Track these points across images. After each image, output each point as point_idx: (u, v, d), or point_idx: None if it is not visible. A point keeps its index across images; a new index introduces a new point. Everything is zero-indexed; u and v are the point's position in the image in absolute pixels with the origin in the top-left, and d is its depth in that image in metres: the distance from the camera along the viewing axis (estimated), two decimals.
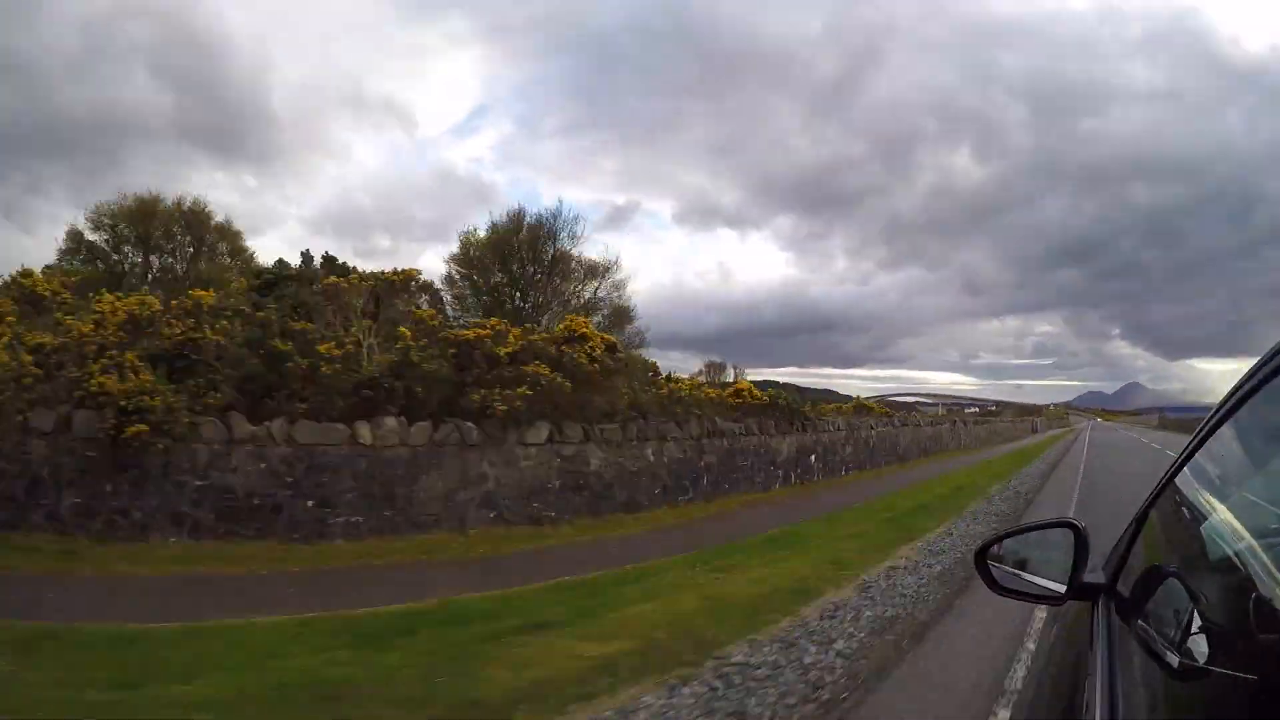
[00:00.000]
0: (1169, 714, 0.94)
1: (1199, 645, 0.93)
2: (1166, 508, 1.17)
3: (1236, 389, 0.86)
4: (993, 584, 1.35)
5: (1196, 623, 0.95)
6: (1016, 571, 1.34)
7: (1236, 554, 0.97)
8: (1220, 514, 1.02)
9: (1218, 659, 0.89)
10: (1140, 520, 1.22)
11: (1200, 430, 0.97)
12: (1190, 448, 1.02)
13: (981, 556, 1.36)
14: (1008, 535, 1.38)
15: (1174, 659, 0.98)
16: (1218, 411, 0.90)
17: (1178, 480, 1.09)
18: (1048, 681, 1.44)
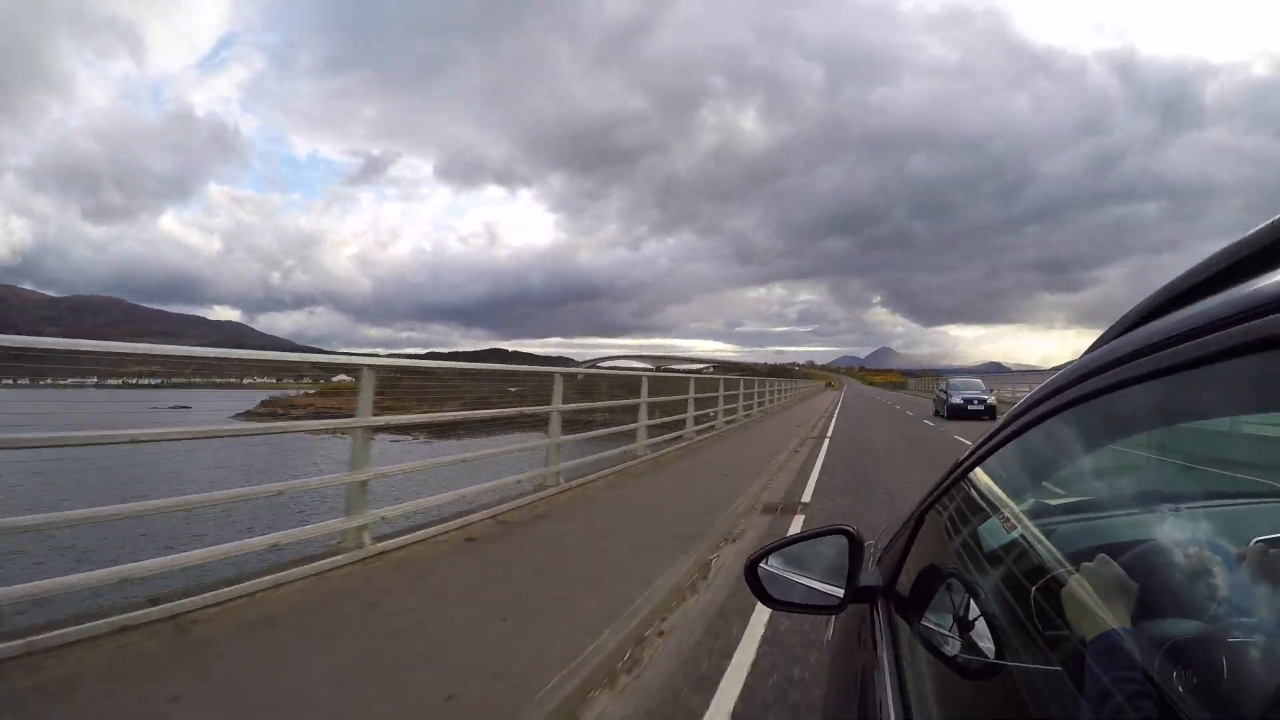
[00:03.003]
0: (961, 710, 0.96)
1: (984, 641, 0.96)
2: (942, 511, 1.21)
3: (1029, 405, 0.90)
4: (766, 598, 1.31)
5: (980, 620, 0.98)
6: (791, 580, 1.32)
7: (1013, 553, 1.01)
8: (997, 516, 1.05)
9: (1003, 654, 0.92)
10: (917, 523, 1.26)
11: (979, 444, 1.01)
12: (968, 460, 1.06)
13: (752, 570, 1.32)
14: (778, 547, 1.36)
15: (961, 656, 1.00)
16: (1008, 422, 0.93)
17: (955, 482, 1.13)
18: (836, 687, 1.45)
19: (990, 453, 1.01)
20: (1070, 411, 0.81)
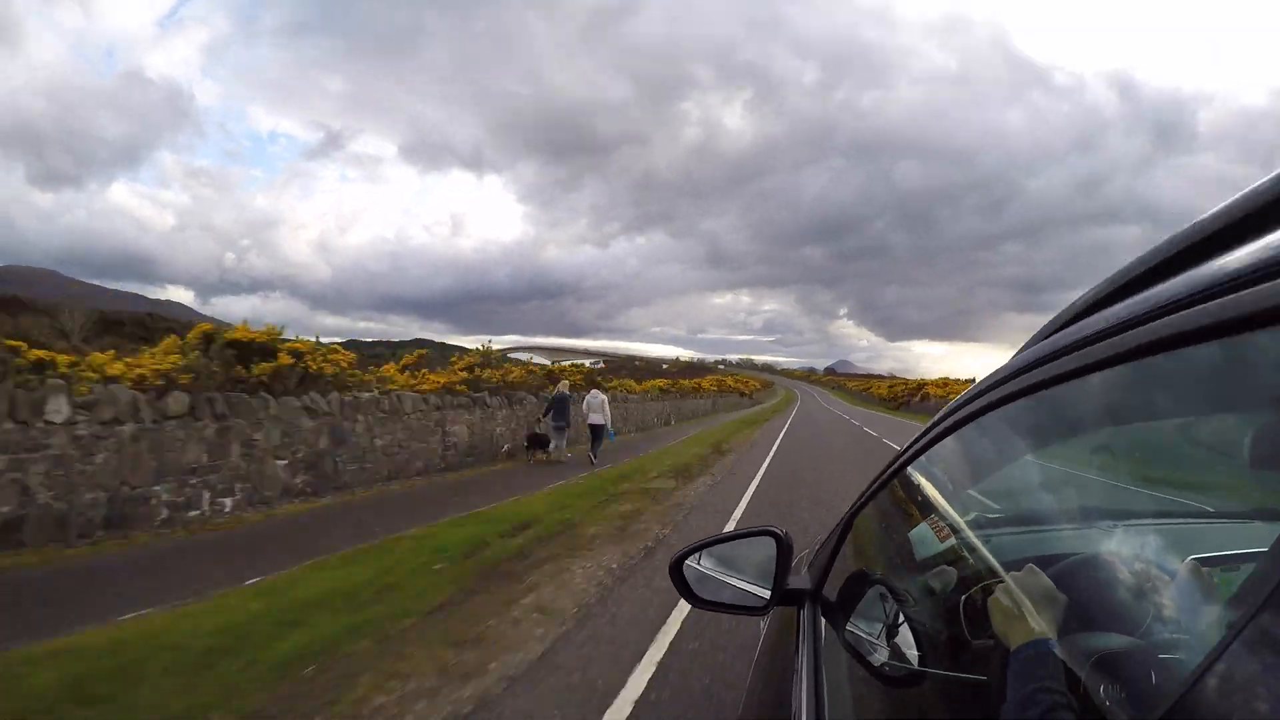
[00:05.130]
0: (880, 716, 0.94)
1: (909, 648, 0.93)
2: (873, 514, 1.19)
3: (962, 403, 0.87)
4: (691, 597, 1.29)
5: (904, 627, 0.96)
6: (719, 579, 1.30)
7: (944, 560, 0.99)
8: (929, 521, 1.03)
9: (927, 661, 0.89)
10: (846, 525, 1.24)
11: (913, 442, 0.98)
12: (901, 458, 1.03)
13: (677, 568, 1.30)
14: (705, 545, 1.34)
15: (884, 663, 0.97)
16: (940, 420, 0.90)
17: (885, 488, 1.11)
18: (758, 689, 1.42)
19: (921, 452, 0.99)
20: (1005, 409, 0.77)
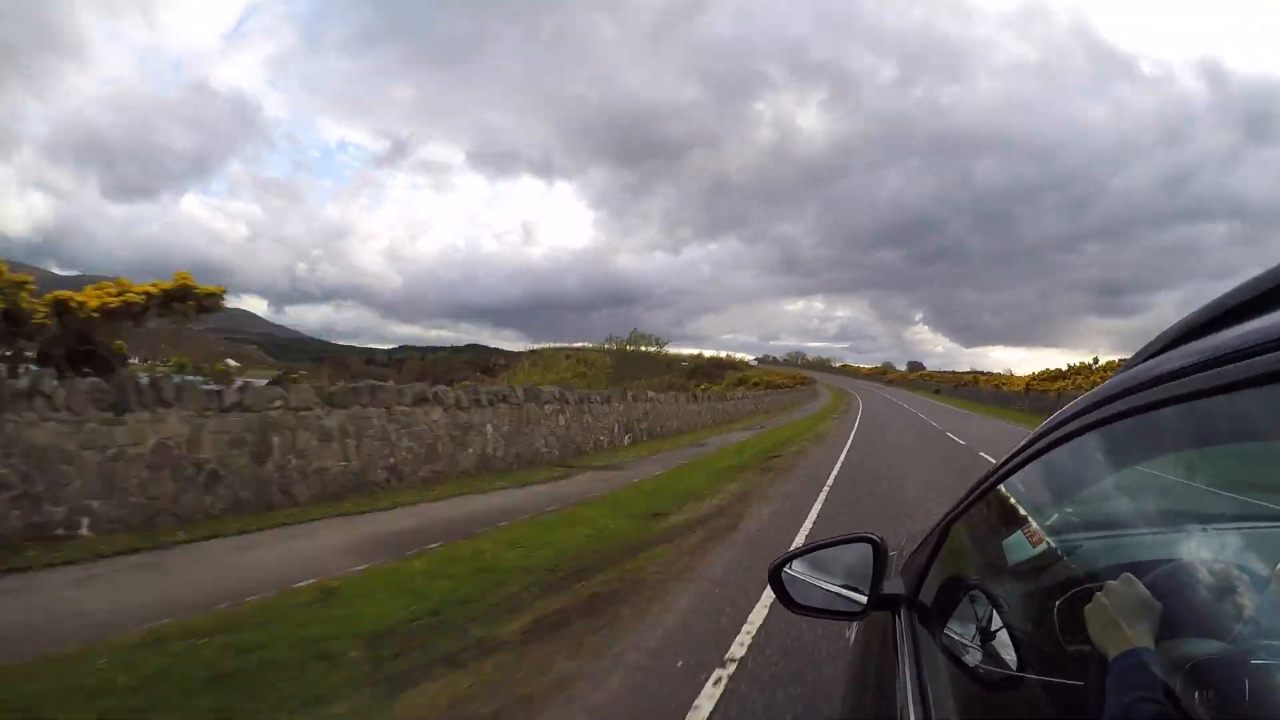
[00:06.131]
0: (982, 718, 0.97)
1: (1006, 653, 0.97)
2: (968, 521, 1.22)
3: (1061, 420, 0.88)
4: (790, 603, 1.34)
5: (1002, 632, 0.99)
6: (815, 585, 1.34)
7: (1038, 568, 1.02)
8: (1023, 530, 1.07)
9: (1025, 667, 0.93)
10: (942, 533, 1.27)
11: (1010, 456, 1.01)
12: (999, 471, 1.07)
13: (776, 575, 1.35)
14: (803, 553, 1.38)
15: (982, 667, 1.01)
16: (1039, 437, 0.93)
17: (983, 494, 1.14)
18: (856, 694, 1.46)
19: (1019, 467, 1.02)
20: (1103, 429, 0.79)
